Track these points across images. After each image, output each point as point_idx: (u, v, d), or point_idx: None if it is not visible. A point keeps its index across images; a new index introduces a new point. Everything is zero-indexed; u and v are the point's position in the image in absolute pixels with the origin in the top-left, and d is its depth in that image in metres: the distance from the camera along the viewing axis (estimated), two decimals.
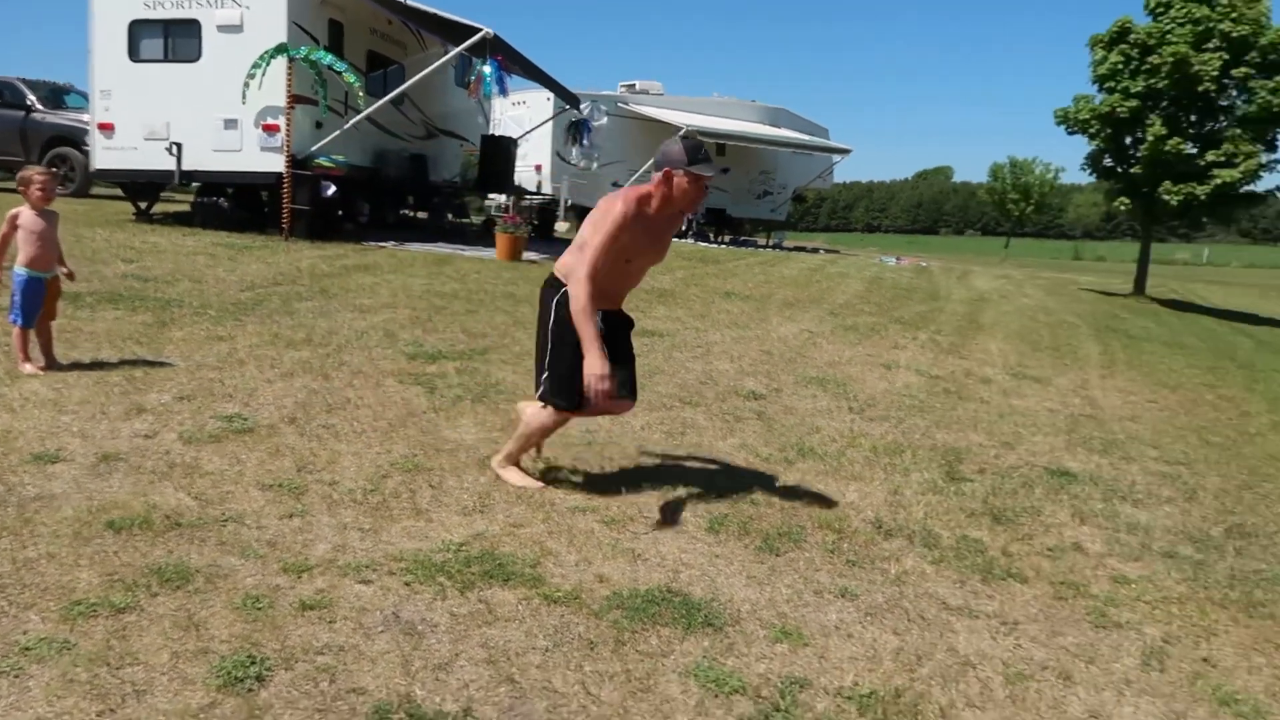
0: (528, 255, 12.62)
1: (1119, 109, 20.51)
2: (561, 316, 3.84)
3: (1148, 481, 5.46)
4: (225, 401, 4.99)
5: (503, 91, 13.51)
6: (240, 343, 6.32)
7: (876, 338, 9.79)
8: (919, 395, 7.18)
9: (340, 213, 13.42)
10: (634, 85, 25.65)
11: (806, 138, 27.67)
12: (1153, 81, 20.22)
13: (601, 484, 4.34)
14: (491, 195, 22.20)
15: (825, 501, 4.43)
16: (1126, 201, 21.58)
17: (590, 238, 3.77)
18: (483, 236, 16.50)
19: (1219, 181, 19.70)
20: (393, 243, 13.16)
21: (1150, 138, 20.12)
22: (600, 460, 4.70)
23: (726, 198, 26.56)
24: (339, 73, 12.44)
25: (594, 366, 3.62)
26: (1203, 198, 20.06)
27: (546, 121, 20.56)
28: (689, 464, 4.80)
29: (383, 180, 14.85)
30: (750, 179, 27.27)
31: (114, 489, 3.70)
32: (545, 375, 3.97)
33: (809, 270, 17.48)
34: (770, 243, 27.50)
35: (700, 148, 3.89)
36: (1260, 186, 20.62)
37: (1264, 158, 20.06)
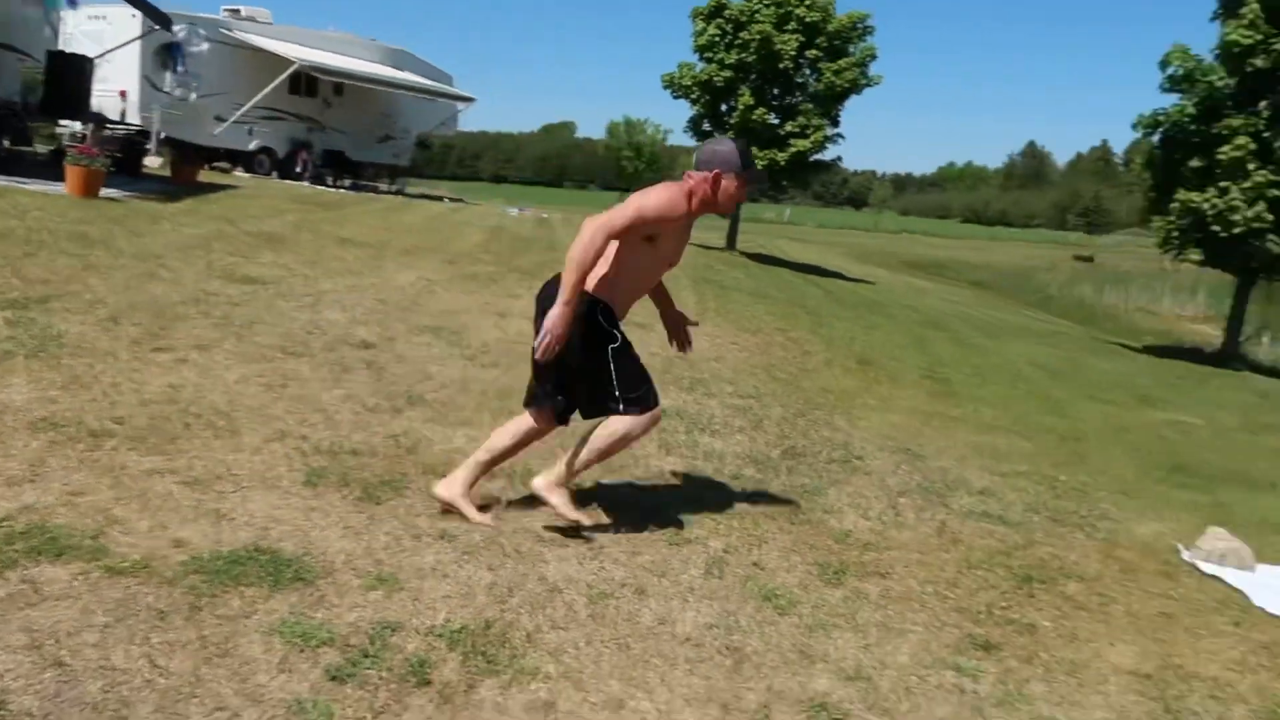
0: (106, 192, 11.14)
1: (716, 78, 22.48)
2: (605, 329, 3.57)
3: (724, 414, 6.13)
4: None
5: (72, 2, 11.68)
6: None
7: (495, 287, 9.95)
8: (530, 342, 7.42)
9: None
10: (239, 10, 23.40)
11: (430, 83, 27.09)
12: (744, 55, 22.37)
13: (186, 443, 4.00)
14: (64, 122, 19.25)
15: (431, 447, 4.46)
16: None
17: (623, 207, 3.43)
18: (50, 168, 14.29)
19: (795, 150, 22.40)
20: None
21: (741, 106, 22.31)
22: (186, 418, 4.33)
23: (346, 140, 25.31)
24: None
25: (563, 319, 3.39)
26: (782, 163, 22.70)
27: (133, 41, 18.13)
28: (288, 418, 4.58)
29: None
30: (371, 122, 26.19)
31: None
32: (617, 394, 3.60)
33: (431, 218, 17.28)
34: (393, 189, 26.73)
35: (749, 149, 3.66)
36: (827, 156, 23.76)
37: (829, 130, 23.08)
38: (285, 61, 21.69)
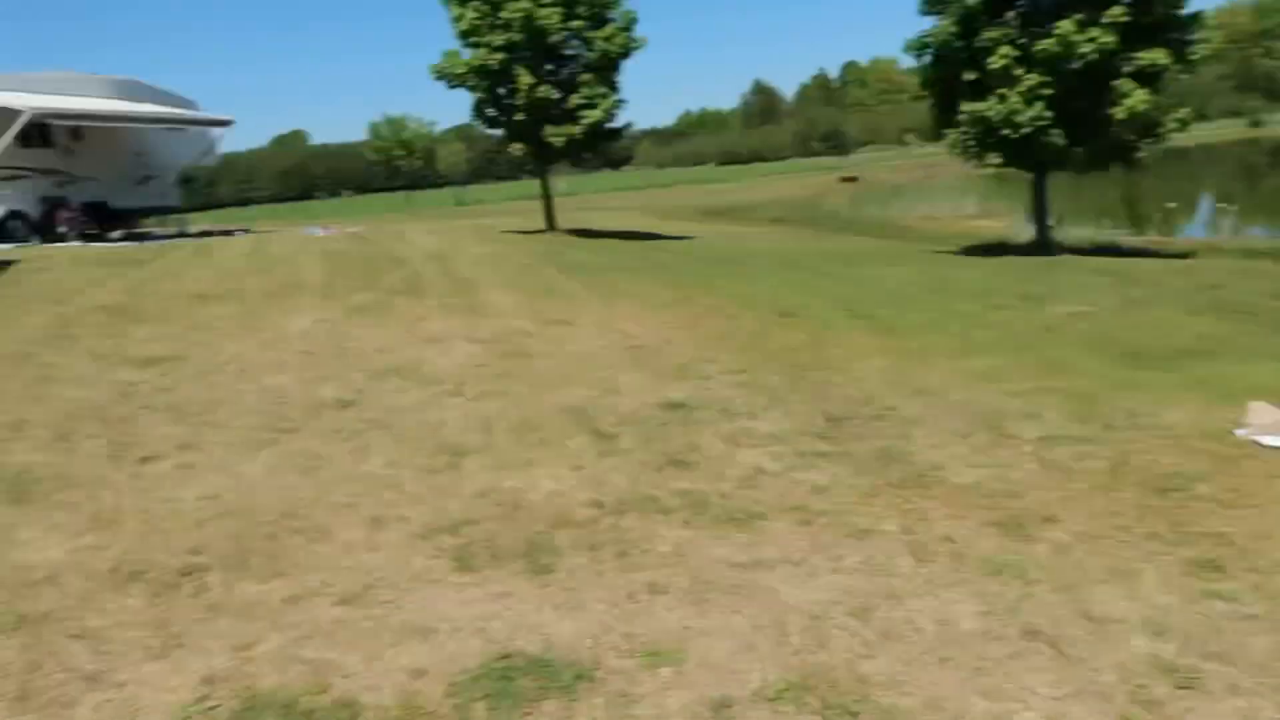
0: None
1: (488, 62, 21.85)
2: None
3: (737, 394, 5.98)
4: None
5: None
6: None
7: (395, 314, 9.26)
8: (490, 362, 6.98)
9: None
10: None
11: (179, 111, 24.74)
12: (510, 35, 21.81)
13: (290, 558, 3.42)
14: None
15: (526, 496, 4.06)
16: (520, 146, 23.32)
17: None
18: None
19: (589, 121, 22.22)
20: None
21: (523, 87, 21.84)
22: (259, 529, 3.70)
23: (103, 188, 22.68)
24: None
25: None
26: (580, 136, 22.47)
27: None
28: (362, 502, 4.02)
29: None
30: (124, 164, 23.61)
31: None
32: None
33: (249, 254, 15.87)
34: (174, 232, 24.38)
35: None
36: (618, 123, 23.73)
37: (614, 97, 23.02)
38: (11, 112, 19.06)
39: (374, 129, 60.86)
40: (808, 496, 4.07)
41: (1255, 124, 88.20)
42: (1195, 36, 17.29)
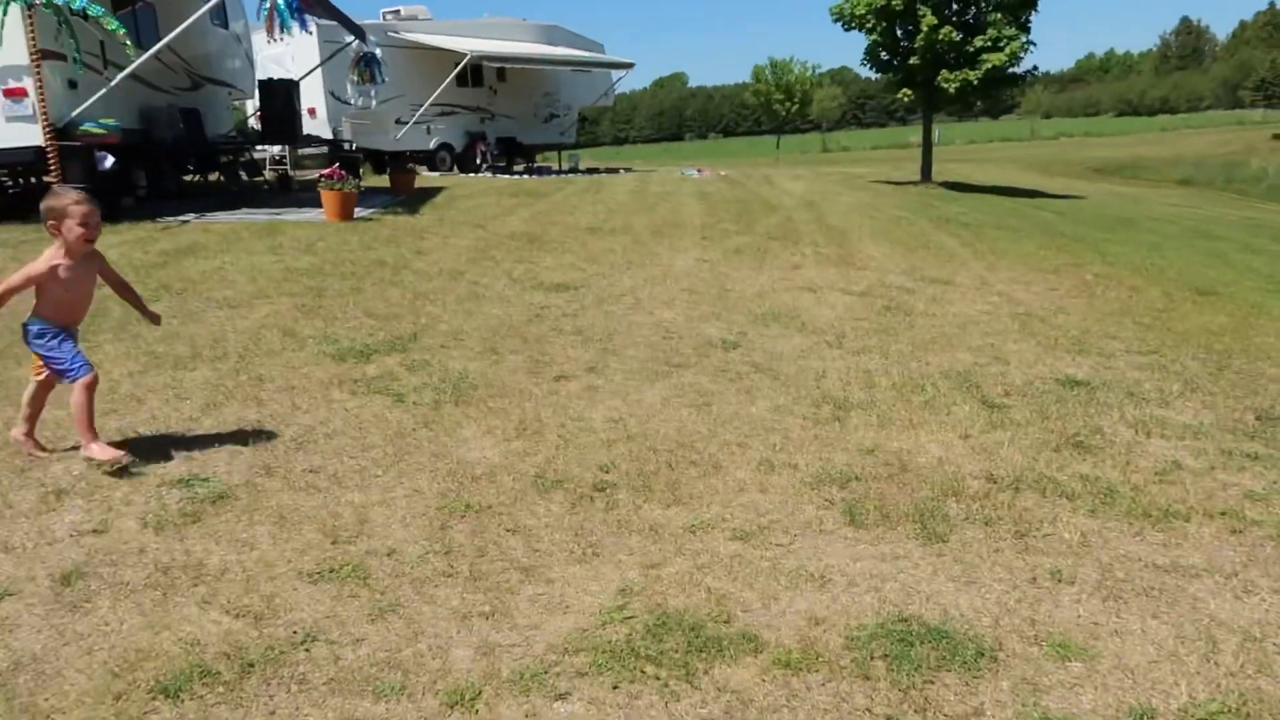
0: (360, 212, 11.23)
1: (893, 2, 21.10)
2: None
3: (1146, 377, 5.43)
4: (160, 460, 3.85)
5: (303, 24, 11.80)
6: (112, 370, 5.00)
7: (770, 258, 9.46)
8: (869, 316, 6.92)
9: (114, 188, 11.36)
10: (399, 11, 23.58)
11: (587, 54, 26.74)
12: None
13: (687, 487, 3.68)
14: (261, 147, 19.91)
15: (915, 459, 4.00)
16: (909, 92, 22.46)
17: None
18: (279, 195, 14.70)
19: (989, 65, 20.83)
20: (191, 215, 11.32)
21: (924, 28, 20.88)
22: (658, 456, 4.03)
23: (515, 125, 25.30)
24: (93, 18, 10.32)
25: None
26: (976, 82, 21.17)
27: (331, 58, 18.45)
28: (752, 443, 4.21)
29: (157, 144, 12.74)
30: (535, 103, 26.09)
31: (116, 627, 2.65)
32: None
33: (634, 193, 16.93)
34: (567, 167, 26.63)
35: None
36: (1021, 68, 22.02)
37: (1023, 39, 21.33)
38: (455, 55, 21.71)
39: (757, 72, 61.60)
40: (1240, 502, 3.64)
41: None
42: None
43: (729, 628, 2.69)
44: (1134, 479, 3.86)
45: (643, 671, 2.45)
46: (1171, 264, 10.17)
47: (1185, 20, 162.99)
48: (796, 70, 59.60)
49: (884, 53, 22.69)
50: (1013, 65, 21.36)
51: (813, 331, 6.39)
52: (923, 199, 17.95)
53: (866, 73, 24.48)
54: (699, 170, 24.38)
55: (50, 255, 3.67)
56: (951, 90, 21.30)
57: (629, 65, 27.48)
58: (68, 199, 3.65)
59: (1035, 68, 23.06)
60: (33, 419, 3.91)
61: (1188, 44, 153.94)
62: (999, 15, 21.21)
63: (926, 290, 8.03)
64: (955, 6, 21.88)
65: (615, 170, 26.10)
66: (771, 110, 61.89)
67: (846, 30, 22.74)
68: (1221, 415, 4.77)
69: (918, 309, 7.23)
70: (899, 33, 22.24)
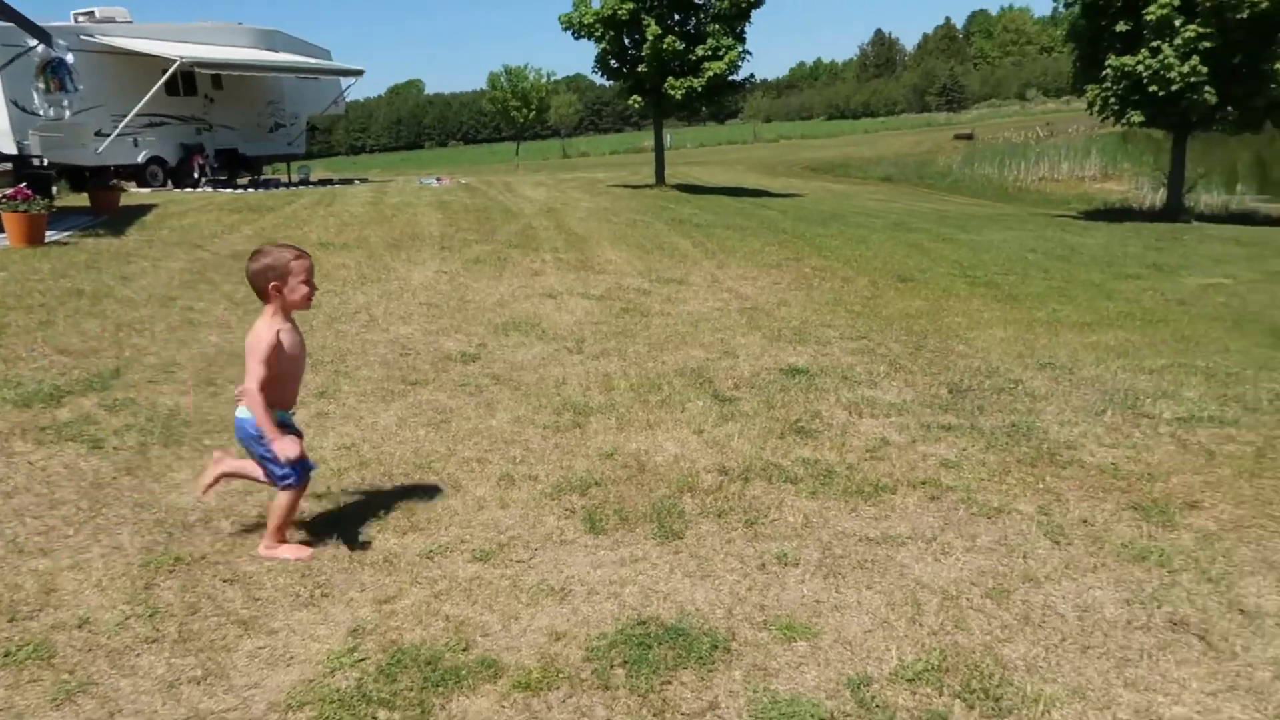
0: (51, 235, 10.03)
1: (619, 11, 21.73)
2: None
3: (858, 361, 5.89)
4: None
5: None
6: None
7: (511, 266, 9.43)
8: (608, 320, 7.04)
9: None
10: (93, 13, 21.36)
11: (312, 61, 25.47)
12: None
13: (426, 511, 3.56)
14: None
15: (653, 459, 4.10)
16: (639, 99, 23.22)
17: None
18: None
19: (711, 73, 21.95)
20: None
21: (649, 38, 21.67)
22: (391, 478, 3.86)
23: (236, 136, 23.67)
24: None
25: None
26: (700, 89, 22.25)
27: (11, 63, 16.34)
28: (491, 459, 4.14)
29: None
30: (258, 112, 24.53)
31: None
32: None
33: (369, 205, 16.33)
34: (297, 179, 25.24)
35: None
36: (740, 76, 23.38)
37: (739, 49, 22.67)
38: (163, 61, 19.98)
39: (493, 79, 61.26)
40: (937, 471, 4.01)
41: None
42: None
43: (468, 655, 2.61)
44: (849, 458, 4.16)
45: (374, 717, 2.32)
46: (877, 255, 11.15)
47: (879, 32, 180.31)
48: (532, 77, 60.09)
49: (613, 61, 23.36)
50: (732, 73, 22.65)
51: (553, 338, 6.42)
52: (658, 202, 18.61)
53: (601, 80, 25.01)
54: (439, 179, 23.94)
55: (269, 323, 3.06)
56: (678, 97, 22.26)
57: (358, 72, 26.49)
58: (288, 254, 3.09)
59: (753, 75, 24.56)
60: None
61: (882, 54, 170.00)
62: (717, 26, 22.41)
63: (662, 291, 8.31)
64: (677, 17, 22.91)
65: (350, 181, 25.08)
66: (510, 117, 61.97)
67: (576, 39, 23.19)
68: (921, 391, 5.25)
69: (654, 310, 7.45)
70: (626, 42, 22.98)
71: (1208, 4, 15.25)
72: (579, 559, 3.20)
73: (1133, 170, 30.58)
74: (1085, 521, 3.51)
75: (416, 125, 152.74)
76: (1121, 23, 16.41)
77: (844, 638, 2.70)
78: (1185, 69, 15.51)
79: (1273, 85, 15.73)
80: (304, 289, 3.10)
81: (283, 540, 3.23)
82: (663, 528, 3.41)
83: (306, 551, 3.21)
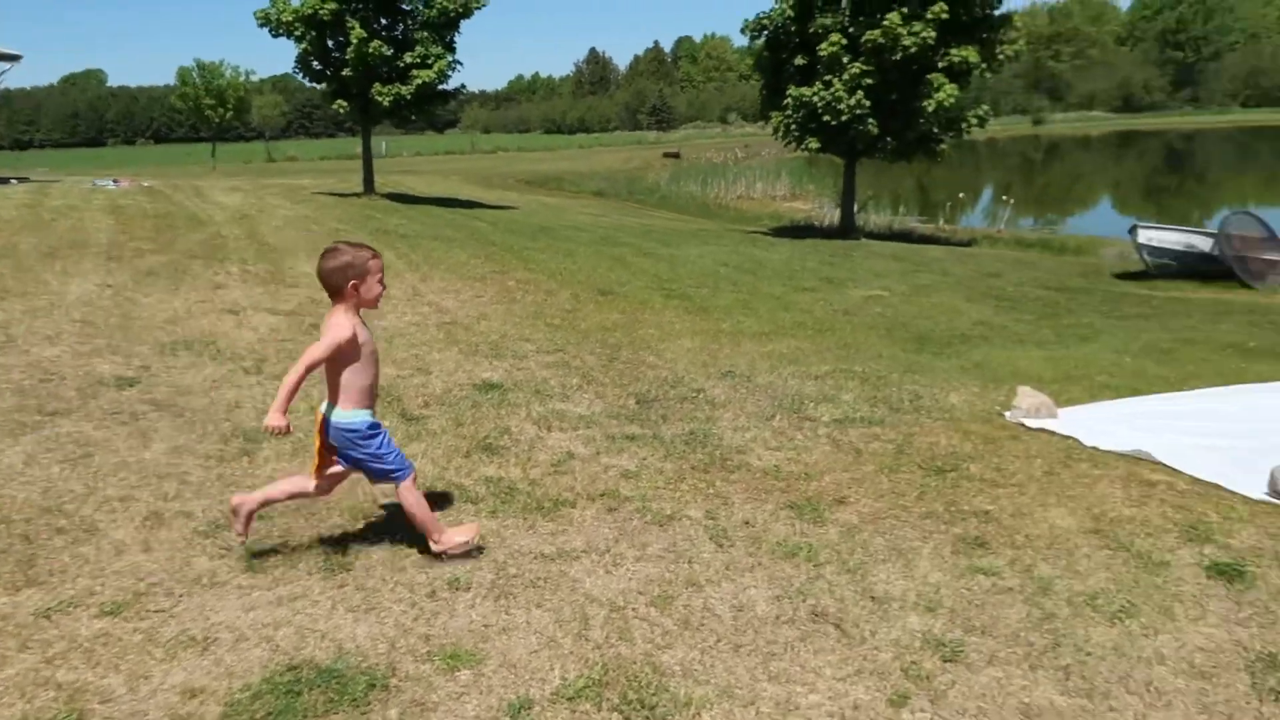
0: None
1: (320, 11, 20.74)
2: None
3: (552, 375, 5.96)
4: None
5: None
6: None
7: (190, 279, 8.64)
8: (295, 337, 6.64)
9: None
10: None
11: None
12: None
13: (51, 561, 3.13)
14: None
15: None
16: (344, 103, 22.27)
17: None
18: None
19: (420, 81, 21.50)
20: None
21: (354, 40, 20.86)
22: (17, 531, 3.37)
23: None
24: None
25: None
26: (409, 97, 21.72)
27: None
28: (138, 495, 3.73)
29: None
30: None
31: None
32: None
33: (25, 208, 14.40)
34: None
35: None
36: (450, 85, 23.07)
37: (449, 58, 22.39)
38: None
39: (182, 74, 56.07)
40: (617, 482, 4.11)
41: (1038, 122, 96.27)
42: (1004, 37, 18.61)
43: None
44: (532, 474, 4.16)
45: None
46: (581, 268, 11.38)
47: (593, 51, 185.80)
48: (228, 74, 55.87)
49: (315, 62, 22.25)
50: (442, 82, 22.30)
51: (230, 358, 5.94)
52: (364, 211, 17.92)
53: (308, 81, 23.71)
54: (116, 181, 21.61)
55: (346, 320, 3.11)
56: (386, 104, 21.59)
57: (15, 57, 23.37)
58: (365, 253, 3.17)
59: (463, 86, 24.32)
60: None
61: (596, 72, 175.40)
62: (425, 34, 21.99)
63: None
64: (384, 22, 22.23)
65: (6, 180, 22.01)
66: (204, 116, 57.20)
67: (275, 36, 21.85)
68: (610, 403, 5.39)
69: None
70: (330, 43, 21.96)
71: (868, 45, 17.10)
72: (230, 603, 2.94)
73: (816, 191, 33.61)
74: (747, 523, 3.73)
75: (98, 119, 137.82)
76: (799, 57, 18.03)
77: (509, 661, 2.68)
78: (852, 102, 17.31)
79: (921, 121, 17.93)
80: (379, 288, 3.21)
81: (442, 530, 3.23)
82: (329, 560, 3.23)
83: (474, 528, 3.34)
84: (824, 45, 17.37)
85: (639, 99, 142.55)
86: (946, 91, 17.50)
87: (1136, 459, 4.59)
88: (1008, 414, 5.34)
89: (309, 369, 3.05)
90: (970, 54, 17.58)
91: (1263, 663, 2.78)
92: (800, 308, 9.22)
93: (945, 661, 2.76)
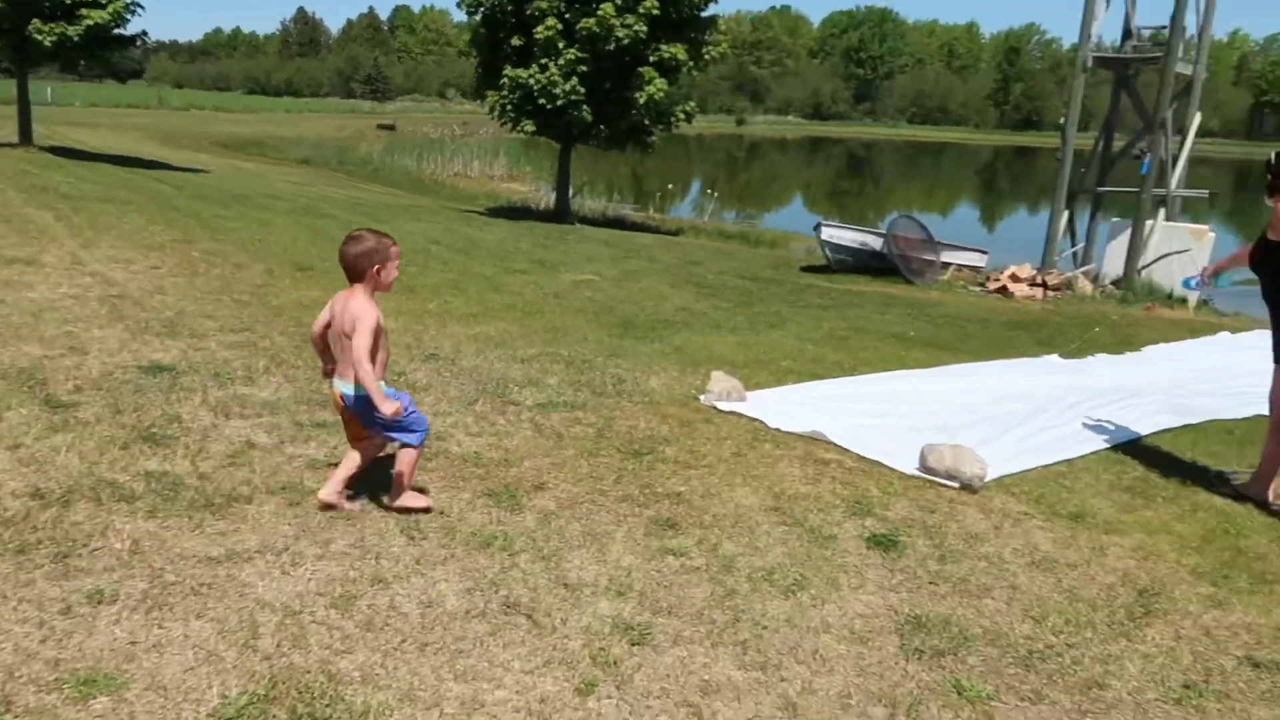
0: None
1: None
2: None
3: (235, 356, 5.46)
4: None
5: None
6: None
7: None
8: None
9: None
10: None
11: None
12: None
13: None
14: None
15: None
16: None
17: None
18: None
19: (90, 22, 19.06)
20: None
21: None
22: None
23: None
24: None
25: None
26: (76, 38, 19.19)
27: None
28: None
29: None
30: None
31: None
32: None
33: None
34: None
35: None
36: (129, 30, 20.67)
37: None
38: None
39: None
40: (301, 474, 3.81)
41: (740, 122, 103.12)
42: (710, 38, 19.49)
43: None
44: (203, 467, 3.77)
45: None
46: (279, 240, 10.60)
47: (302, 10, 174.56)
48: None
49: None
50: (118, 25, 19.91)
51: None
52: (19, 165, 15.64)
53: None
54: None
55: (371, 302, 3.36)
56: (48, 44, 18.91)
57: None
58: (386, 240, 3.41)
59: (145, 33, 21.86)
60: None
61: (305, 33, 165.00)
62: None
63: None
64: None
65: None
66: None
67: None
68: (301, 387, 5.01)
69: None
70: None
71: (584, 33, 17.31)
72: None
73: (533, 174, 33.73)
74: (442, 513, 3.60)
75: None
76: (516, 38, 17.89)
77: (158, 682, 2.37)
78: (567, 87, 17.45)
79: (634, 112, 18.45)
80: (395, 272, 3.43)
81: (409, 490, 3.52)
82: None
83: (425, 499, 3.59)
84: (540, 28, 17.34)
85: (353, 66, 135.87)
86: (657, 85, 18.12)
87: (814, 439, 4.96)
88: (702, 397, 5.58)
89: (372, 358, 3.30)
90: (679, 51, 18.31)
91: (910, 625, 3.08)
92: (511, 290, 9.15)
93: (633, 645, 2.80)
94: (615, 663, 2.70)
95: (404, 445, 3.49)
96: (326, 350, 3.56)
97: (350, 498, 3.55)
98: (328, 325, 3.48)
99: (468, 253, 11.81)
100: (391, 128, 59.16)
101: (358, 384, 3.33)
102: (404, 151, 38.45)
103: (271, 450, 4.04)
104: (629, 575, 3.23)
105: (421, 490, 3.69)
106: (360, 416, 3.43)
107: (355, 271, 3.35)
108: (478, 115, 39.15)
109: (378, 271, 3.36)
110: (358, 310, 3.31)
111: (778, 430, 5.10)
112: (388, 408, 3.28)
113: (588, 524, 3.63)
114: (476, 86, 20.36)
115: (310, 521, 3.39)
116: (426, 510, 3.56)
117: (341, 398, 3.45)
